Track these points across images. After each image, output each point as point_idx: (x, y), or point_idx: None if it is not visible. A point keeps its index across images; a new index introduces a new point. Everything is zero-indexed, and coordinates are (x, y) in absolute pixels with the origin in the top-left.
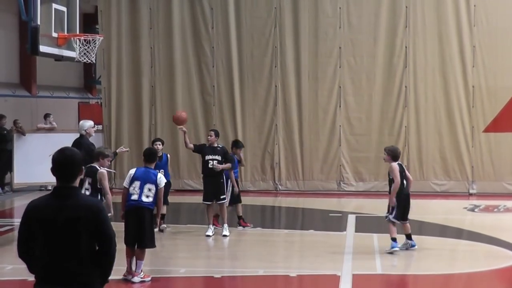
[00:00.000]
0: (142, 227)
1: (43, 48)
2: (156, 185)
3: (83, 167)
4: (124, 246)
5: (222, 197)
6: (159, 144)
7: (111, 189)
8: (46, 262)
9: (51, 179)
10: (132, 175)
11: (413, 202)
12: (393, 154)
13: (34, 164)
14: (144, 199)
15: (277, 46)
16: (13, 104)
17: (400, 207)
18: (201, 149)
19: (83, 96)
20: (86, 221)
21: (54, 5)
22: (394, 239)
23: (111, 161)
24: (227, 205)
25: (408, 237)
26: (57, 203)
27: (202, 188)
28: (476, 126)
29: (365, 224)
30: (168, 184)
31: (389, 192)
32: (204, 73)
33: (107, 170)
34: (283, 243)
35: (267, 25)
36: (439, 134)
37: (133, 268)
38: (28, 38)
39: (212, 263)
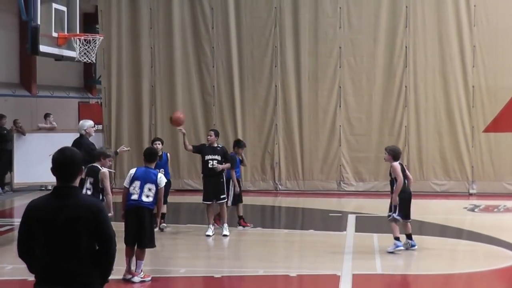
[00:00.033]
0: (142, 227)
1: (43, 48)
2: (156, 185)
3: (83, 167)
4: (124, 246)
5: (222, 196)
6: (159, 144)
7: (111, 189)
8: (46, 262)
9: (51, 179)
10: (132, 175)
11: (413, 202)
12: (394, 154)
13: (34, 164)
14: (144, 199)
15: (277, 46)
16: (13, 104)
17: (403, 205)
18: (201, 149)
19: (83, 96)
20: (86, 221)
21: (54, 5)
22: (397, 238)
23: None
24: (230, 204)
25: (409, 237)
26: (57, 203)
27: (202, 188)
28: (476, 126)
29: (365, 224)
30: (168, 183)
31: (391, 192)
32: (204, 73)
33: (107, 170)
34: (283, 243)
35: (267, 25)
36: (439, 134)
37: (132, 267)
38: (28, 38)
39: (212, 263)
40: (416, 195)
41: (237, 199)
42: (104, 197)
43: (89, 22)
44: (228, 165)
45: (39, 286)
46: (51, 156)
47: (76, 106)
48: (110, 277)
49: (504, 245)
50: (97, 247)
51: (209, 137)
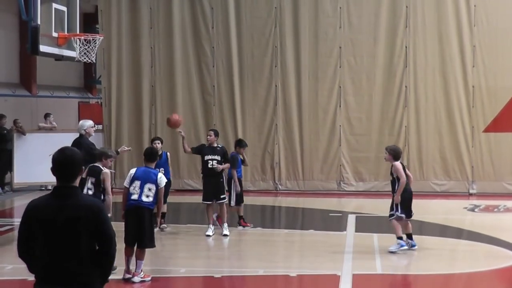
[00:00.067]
0: (142, 227)
1: (43, 48)
2: (157, 185)
3: (83, 166)
4: (124, 246)
5: (222, 196)
6: (158, 143)
7: (111, 189)
8: (46, 262)
9: (51, 179)
10: (132, 175)
11: (413, 202)
12: (394, 154)
13: (34, 164)
14: (144, 198)
15: (277, 46)
16: (13, 103)
17: (404, 204)
18: (201, 150)
19: (83, 96)
20: (86, 221)
21: (54, 5)
22: (400, 238)
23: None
24: (234, 205)
25: (409, 236)
26: (57, 203)
27: (202, 188)
28: (476, 126)
29: (365, 224)
30: (168, 183)
31: (393, 191)
32: (204, 73)
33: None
34: (283, 243)
35: (267, 25)
36: (439, 134)
37: (131, 267)
38: (28, 37)
39: (212, 263)
40: (416, 195)
41: (240, 199)
42: (105, 198)
43: (89, 22)
44: (227, 165)
45: (39, 286)
46: (51, 156)
47: (76, 106)
48: (110, 277)
49: (504, 245)
50: (97, 247)
51: (208, 137)
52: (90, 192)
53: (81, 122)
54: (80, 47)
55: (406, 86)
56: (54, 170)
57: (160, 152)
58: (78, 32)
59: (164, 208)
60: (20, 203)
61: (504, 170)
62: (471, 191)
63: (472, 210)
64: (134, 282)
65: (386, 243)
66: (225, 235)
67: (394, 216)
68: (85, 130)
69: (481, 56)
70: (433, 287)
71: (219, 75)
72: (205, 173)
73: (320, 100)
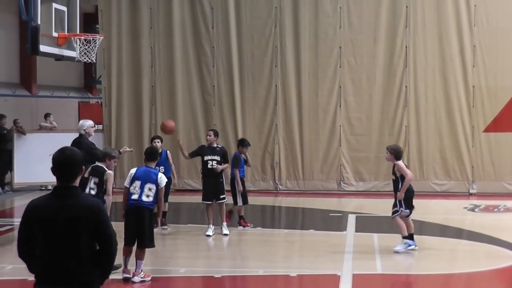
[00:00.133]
0: (142, 227)
1: (43, 48)
2: (157, 185)
3: (83, 166)
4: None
5: (221, 197)
6: (158, 142)
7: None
8: (46, 262)
9: (51, 179)
10: (132, 175)
11: (414, 202)
12: (395, 153)
13: (34, 164)
14: (144, 198)
15: (277, 46)
16: (13, 103)
17: (407, 201)
18: (200, 151)
19: (83, 96)
20: (86, 221)
21: (55, 5)
22: (406, 237)
23: None
24: (241, 204)
25: (411, 236)
26: (57, 202)
27: (202, 188)
28: (476, 126)
29: (365, 224)
30: (169, 182)
31: (395, 191)
32: (204, 73)
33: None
34: (283, 243)
35: (267, 25)
36: (439, 134)
37: (130, 267)
38: (29, 37)
39: (212, 263)
40: (416, 195)
41: (245, 199)
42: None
43: (89, 22)
44: (227, 165)
45: (39, 286)
46: (51, 156)
47: (76, 106)
48: (111, 277)
49: (504, 245)
50: (97, 247)
51: (208, 137)
52: (93, 192)
53: (81, 122)
54: (80, 47)
55: (406, 86)
56: (54, 170)
57: (160, 151)
58: (78, 32)
59: (166, 207)
60: (20, 203)
61: (504, 170)
62: (471, 191)
63: (472, 210)
64: (134, 282)
65: (386, 243)
66: (225, 234)
67: (399, 213)
68: (85, 130)
69: (481, 56)
70: (433, 287)
71: (219, 75)
72: (204, 173)
73: (320, 100)
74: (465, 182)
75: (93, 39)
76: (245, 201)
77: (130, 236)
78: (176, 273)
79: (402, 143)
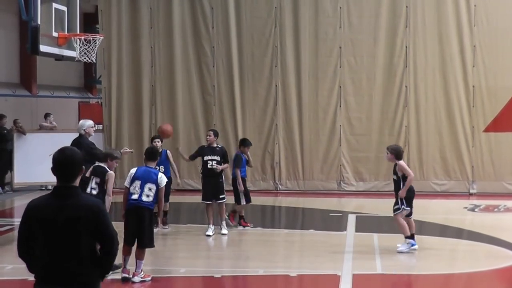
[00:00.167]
0: (141, 226)
1: (43, 48)
2: (157, 185)
3: (83, 166)
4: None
5: (221, 196)
6: (158, 141)
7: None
8: (46, 262)
9: (51, 179)
10: (133, 175)
11: (414, 202)
12: (396, 153)
13: (34, 164)
14: (144, 198)
15: (277, 46)
16: (13, 103)
17: (408, 201)
18: (200, 152)
19: (84, 96)
20: (86, 221)
21: (55, 5)
22: (409, 237)
23: None
24: (245, 203)
25: (412, 236)
26: (57, 202)
27: (202, 188)
28: (476, 126)
29: (365, 223)
30: (169, 181)
31: (396, 190)
32: (204, 73)
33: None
34: (283, 243)
35: (267, 25)
36: (439, 134)
37: (129, 267)
38: (29, 37)
39: (212, 263)
40: (416, 195)
41: (248, 198)
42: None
43: (89, 22)
44: (227, 165)
45: (39, 286)
46: (51, 156)
47: (76, 106)
48: (111, 277)
49: (505, 245)
50: (98, 247)
51: (208, 137)
52: (94, 192)
53: (81, 122)
54: (80, 47)
55: (406, 86)
56: (54, 170)
57: (160, 150)
58: (78, 32)
59: (166, 207)
60: (20, 203)
61: (504, 170)
62: (471, 191)
63: (472, 210)
64: (134, 282)
65: (386, 243)
66: (224, 234)
67: (400, 210)
68: (84, 130)
69: (481, 56)
70: (433, 287)
71: (219, 75)
72: (204, 173)
73: (320, 100)
74: (465, 182)
75: (93, 39)
76: (248, 200)
77: (130, 236)
78: (176, 273)
79: (402, 143)
